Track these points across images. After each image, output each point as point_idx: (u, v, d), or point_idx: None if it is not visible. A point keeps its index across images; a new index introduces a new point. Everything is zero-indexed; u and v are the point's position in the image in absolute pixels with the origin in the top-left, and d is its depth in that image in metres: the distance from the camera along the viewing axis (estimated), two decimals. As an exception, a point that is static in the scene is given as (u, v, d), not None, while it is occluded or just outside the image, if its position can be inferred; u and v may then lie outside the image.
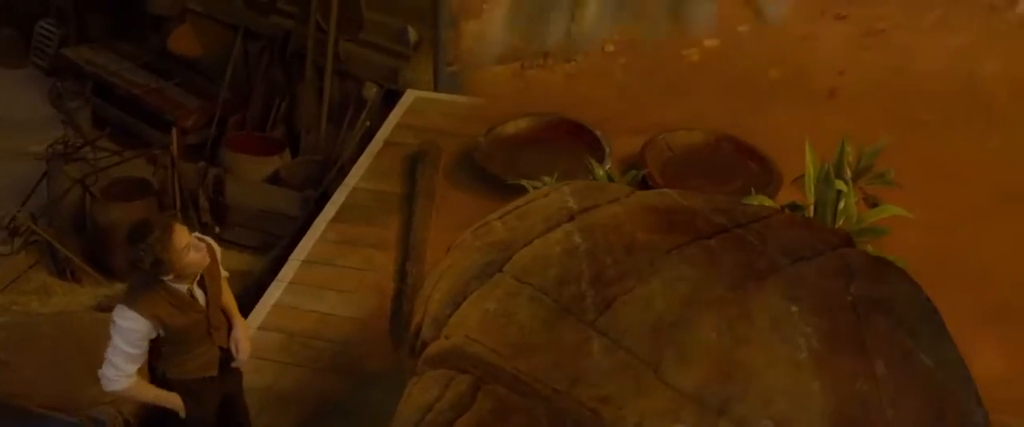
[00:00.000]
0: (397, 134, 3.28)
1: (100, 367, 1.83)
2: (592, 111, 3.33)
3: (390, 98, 4.02)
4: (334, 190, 3.10)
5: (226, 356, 1.91)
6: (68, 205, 3.88)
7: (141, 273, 1.79)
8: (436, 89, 3.81)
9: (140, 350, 1.78)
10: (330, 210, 2.82)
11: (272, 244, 3.66)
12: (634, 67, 3.85)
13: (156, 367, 1.90)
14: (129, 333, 1.75)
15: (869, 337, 1.39)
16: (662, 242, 1.57)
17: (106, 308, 2.63)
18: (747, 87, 3.68)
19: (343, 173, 3.37)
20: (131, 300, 1.77)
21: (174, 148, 3.76)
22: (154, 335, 1.79)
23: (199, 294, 1.83)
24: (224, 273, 1.98)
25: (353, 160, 3.53)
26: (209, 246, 1.85)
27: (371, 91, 4.12)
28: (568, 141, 3.08)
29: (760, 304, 1.39)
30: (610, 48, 3.96)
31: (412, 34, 3.98)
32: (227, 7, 4.86)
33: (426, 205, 2.76)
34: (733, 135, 3.11)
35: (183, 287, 1.79)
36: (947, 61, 3.84)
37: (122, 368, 1.79)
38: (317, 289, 2.37)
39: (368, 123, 3.80)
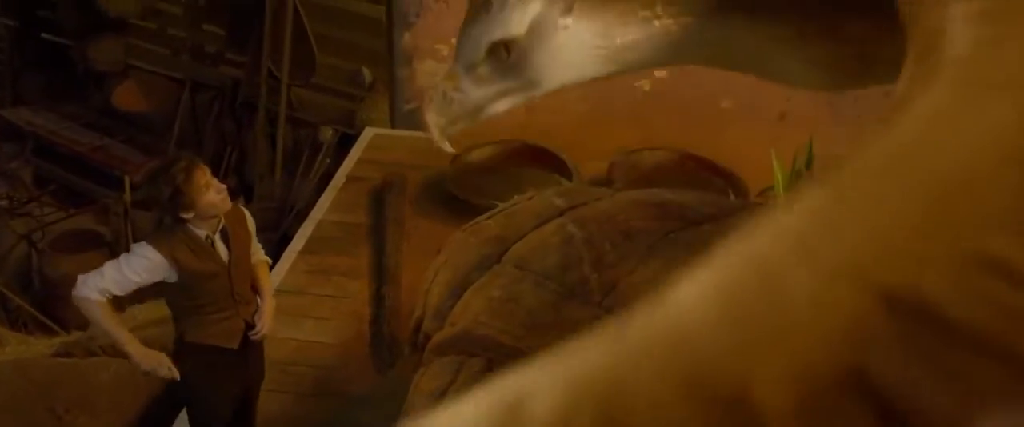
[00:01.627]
0: (359, 169, 3.26)
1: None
2: (554, 139, 3.35)
3: (346, 141, 3.99)
4: (294, 233, 3.05)
5: (248, 332, 1.86)
6: (13, 261, 3.75)
7: (160, 215, 1.76)
8: (393, 127, 3.80)
9: (135, 280, 1.70)
10: (298, 242, 2.77)
11: (231, 291, 3.57)
12: (590, 98, 3.90)
13: (177, 327, 1.84)
14: (136, 260, 1.69)
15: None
16: (657, 228, 1.57)
17: (64, 354, 2.53)
18: (701, 114, 3.76)
19: (301, 217, 3.32)
20: (152, 238, 1.74)
21: (127, 196, 3.68)
22: (160, 276, 1.71)
23: (221, 246, 1.78)
24: (266, 259, 1.98)
25: (311, 205, 3.49)
26: (237, 208, 1.84)
27: (327, 134, 4.10)
28: (534, 165, 3.09)
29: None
30: (565, 81, 4.01)
31: (367, 75, 3.98)
32: (173, 61, 4.82)
33: (396, 232, 2.73)
34: (696, 153, 3.16)
35: (202, 232, 1.74)
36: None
37: (103, 283, 1.70)
38: (293, 318, 2.31)
39: (328, 160, 3.76)
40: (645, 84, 4.20)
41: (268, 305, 1.93)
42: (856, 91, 3.86)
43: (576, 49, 1.00)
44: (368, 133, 3.59)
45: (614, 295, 1.39)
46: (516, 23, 0.99)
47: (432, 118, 1.09)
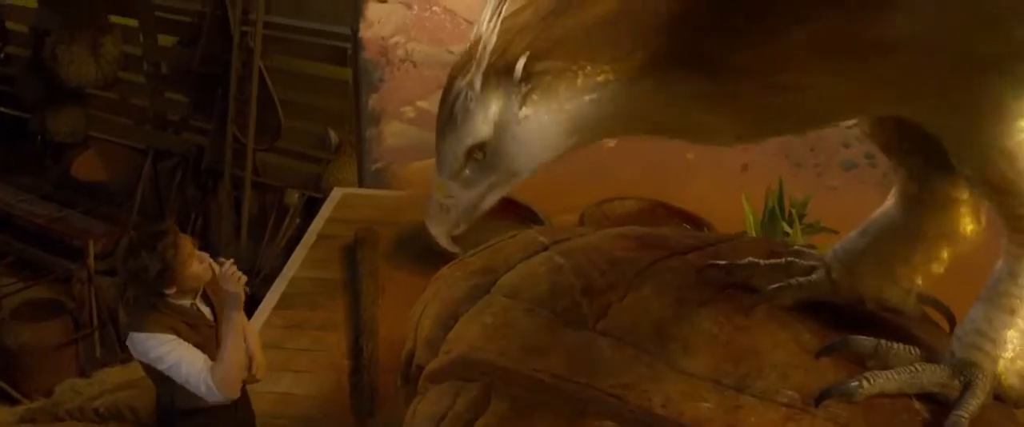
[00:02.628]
0: (330, 228, 3.25)
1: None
2: (523, 194, 3.37)
3: (312, 205, 3.98)
4: (263, 295, 3.02)
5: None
6: (-28, 333, 3.64)
7: (140, 297, 1.69)
8: (361, 187, 3.80)
9: (181, 346, 1.64)
10: (272, 298, 2.74)
11: (198, 356, 3.49)
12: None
13: (162, 397, 1.75)
14: (157, 349, 1.63)
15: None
16: (642, 257, 1.59)
17: (28, 420, 2.45)
18: (667, 166, 3.81)
19: (269, 281, 3.28)
20: (139, 323, 1.66)
21: (91, 262, 3.61)
22: (175, 336, 1.66)
23: (206, 309, 1.73)
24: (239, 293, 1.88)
25: (278, 269, 3.45)
26: (209, 264, 1.76)
27: (293, 198, 4.09)
28: (507, 217, 3.09)
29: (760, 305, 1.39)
30: (530, 139, 4.06)
31: (333, 137, 3.99)
32: (135, 130, 4.80)
33: (371, 285, 2.71)
34: (666, 202, 3.20)
35: (186, 302, 1.69)
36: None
37: (196, 372, 1.67)
38: (271, 371, 2.26)
39: (296, 222, 3.74)
40: (610, 141, 4.25)
41: (256, 347, 1.87)
42: (813, 141, 3.95)
43: (540, 133, 1.08)
44: (337, 193, 3.58)
45: (607, 319, 1.39)
46: (481, 128, 1.07)
47: (434, 229, 1.17)
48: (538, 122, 1.07)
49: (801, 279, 1.39)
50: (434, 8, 3.89)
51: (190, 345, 1.71)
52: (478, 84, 1.06)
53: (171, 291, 1.68)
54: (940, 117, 1.09)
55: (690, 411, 1.18)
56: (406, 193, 3.60)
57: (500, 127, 1.08)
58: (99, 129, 4.87)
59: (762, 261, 1.49)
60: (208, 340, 1.75)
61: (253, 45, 3.97)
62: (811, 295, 1.38)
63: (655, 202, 3.24)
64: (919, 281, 1.34)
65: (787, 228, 2.30)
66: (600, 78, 1.07)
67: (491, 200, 1.18)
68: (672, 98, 1.10)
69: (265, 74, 4.02)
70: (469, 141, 1.08)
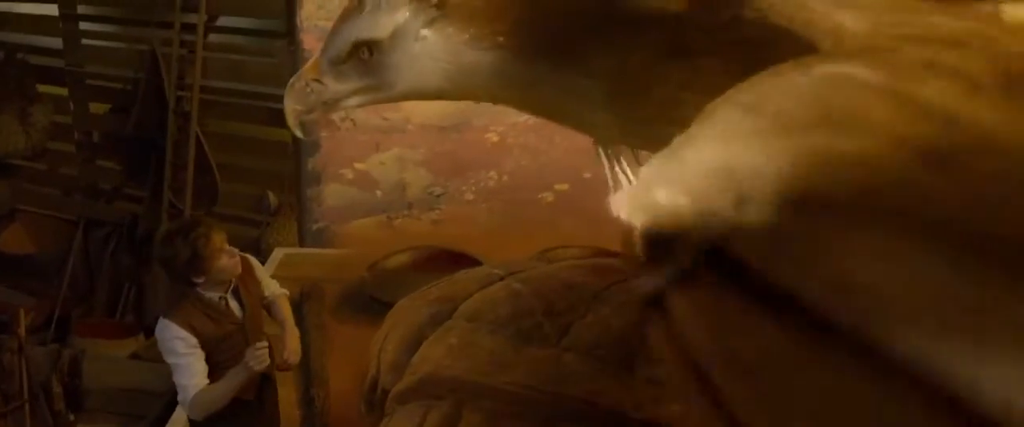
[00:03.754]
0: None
1: None
2: (465, 247, 3.38)
3: (251, 268, 3.93)
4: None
5: (266, 384, 1.83)
6: None
7: (174, 284, 1.80)
8: (301, 247, 3.78)
9: (192, 356, 1.73)
10: (218, 354, 2.69)
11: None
12: (495, 211, 4.00)
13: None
14: (174, 344, 1.72)
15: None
16: (598, 282, 1.62)
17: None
18: (607, 220, 3.89)
19: (208, 346, 3.23)
20: (168, 311, 1.76)
21: (21, 330, 3.48)
22: (197, 344, 1.70)
23: (234, 305, 1.78)
24: (284, 291, 2.06)
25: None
26: (243, 258, 1.84)
27: (232, 262, 4.03)
28: (452, 268, 3.09)
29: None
30: (469, 196, 4.10)
31: (272, 199, 3.97)
32: (65, 201, 4.70)
33: (320, 337, 2.68)
34: (610, 250, 3.23)
35: (215, 295, 1.75)
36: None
37: (186, 386, 1.74)
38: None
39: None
40: (548, 196, 4.32)
41: (291, 335, 2.00)
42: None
43: (428, 60, 1.12)
44: (279, 253, 3.55)
45: (570, 336, 1.42)
46: (381, 26, 1.10)
47: (290, 105, 1.20)
48: (432, 47, 1.11)
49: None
50: None
51: (202, 358, 1.78)
52: None
53: (200, 281, 1.76)
54: None
55: (663, 414, 1.20)
56: (348, 251, 3.59)
57: (397, 35, 1.11)
58: (27, 201, 4.75)
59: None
60: (231, 336, 1.83)
61: (189, 109, 3.95)
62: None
63: (599, 250, 3.27)
64: None
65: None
66: (495, 41, 1.12)
67: (352, 103, 1.20)
68: (552, 85, 1.15)
69: (202, 138, 4.00)
70: (364, 34, 1.11)
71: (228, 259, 1.79)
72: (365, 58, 1.13)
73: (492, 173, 4.26)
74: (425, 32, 1.11)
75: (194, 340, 1.74)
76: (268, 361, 1.82)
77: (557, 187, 4.44)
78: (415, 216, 3.93)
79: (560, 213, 4.01)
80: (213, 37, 3.99)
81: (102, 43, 4.31)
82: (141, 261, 4.36)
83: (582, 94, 1.11)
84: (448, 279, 1.80)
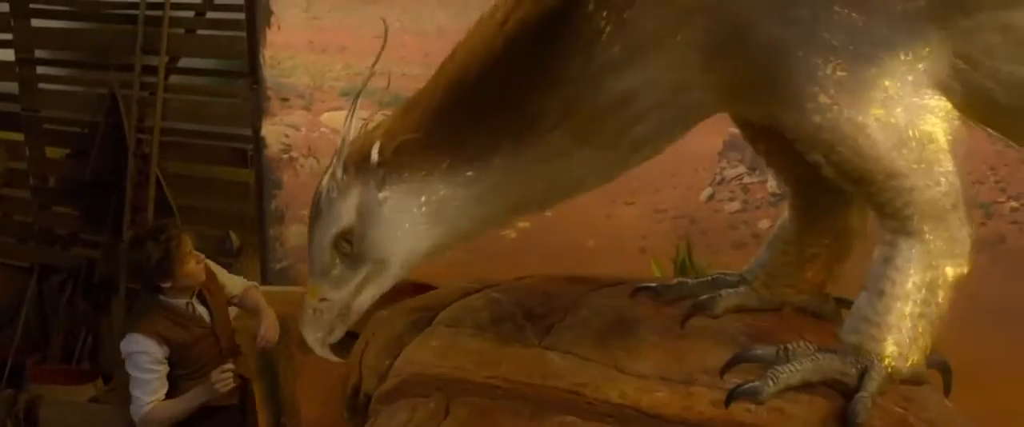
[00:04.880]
0: (238, 323, 3.17)
1: None
2: (429, 282, 3.38)
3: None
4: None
5: (247, 390, 1.83)
6: None
7: (140, 295, 1.75)
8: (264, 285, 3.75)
9: (154, 375, 1.75)
10: (189, 389, 2.66)
11: (95, 472, 3.31)
12: (459, 247, 4.01)
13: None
14: (138, 358, 1.74)
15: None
16: (575, 290, 1.65)
17: None
18: (568, 253, 3.92)
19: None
20: (133, 323, 1.78)
21: (-23, 375, 3.40)
22: (162, 357, 1.71)
23: (202, 310, 1.78)
24: (251, 283, 2.17)
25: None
26: (206, 265, 1.85)
27: (193, 304, 3.98)
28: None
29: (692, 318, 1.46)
30: (433, 234, 4.12)
31: (235, 240, 3.94)
32: (17, 248, 4.61)
33: (288, 367, 2.66)
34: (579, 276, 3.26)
35: (181, 301, 1.75)
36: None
37: (140, 398, 1.83)
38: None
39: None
40: (511, 233, 4.35)
41: (267, 317, 2.08)
42: (705, 225, 4.14)
43: (401, 215, 1.17)
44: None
45: (551, 336, 1.44)
46: (345, 214, 1.14)
47: (310, 336, 1.23)
48: (397, 203, 1.15)
49: (728, 291, 1.47)
50: (322, 129, 3.98)
51: (163, 376, 1.87)
52: (339, 173, 1.14)
53: (167, 285, 1.79)
54: (766, 114, 1.18)
55: (646, 400, 1.23)
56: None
57: (363, 210, 1.13)
58: (-23, 249, 4.65)
59: (690, 280, 1.57)
60: (201, 340, 1.86)
61: (149, 151, 3.93)
62: (738, 305, 1.46)
63: (570, 276, 3.30)
64: (828, 280, 1.43)
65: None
66: (444, 164, 1.15)
67: (365, 301, 1.22)
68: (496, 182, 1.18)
69: (162, 180, 3.97)
70: (334, 229, 1.14)
71: (195, 264, 1.83)
72: (348, 252, 1.15)
73: (454, 213, 4.29)
74: (383, 194, 1.14)
75: (161, 354, 1.76)
76: (232, 384, 1.83)
77: (520, 224, 4.48)
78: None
79: (522, 249, 4.03)
80: (174, 78, 3.99)
81: (60, 87, 4.28)
82: (98, 307, 4.29)
83: (555, 148, 1.15)
84: (424, 295, 1.82)
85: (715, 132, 4.29)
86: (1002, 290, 2.79)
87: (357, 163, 1.14)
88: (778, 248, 1.43)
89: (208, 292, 1.90)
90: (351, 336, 2.77)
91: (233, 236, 3.93)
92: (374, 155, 1.12)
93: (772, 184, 3.83)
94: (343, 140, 1.13)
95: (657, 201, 5.08)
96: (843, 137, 1.07)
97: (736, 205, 4.75)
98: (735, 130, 1.45)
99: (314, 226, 1.16)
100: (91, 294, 4.28)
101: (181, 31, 3.93)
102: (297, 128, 3.86)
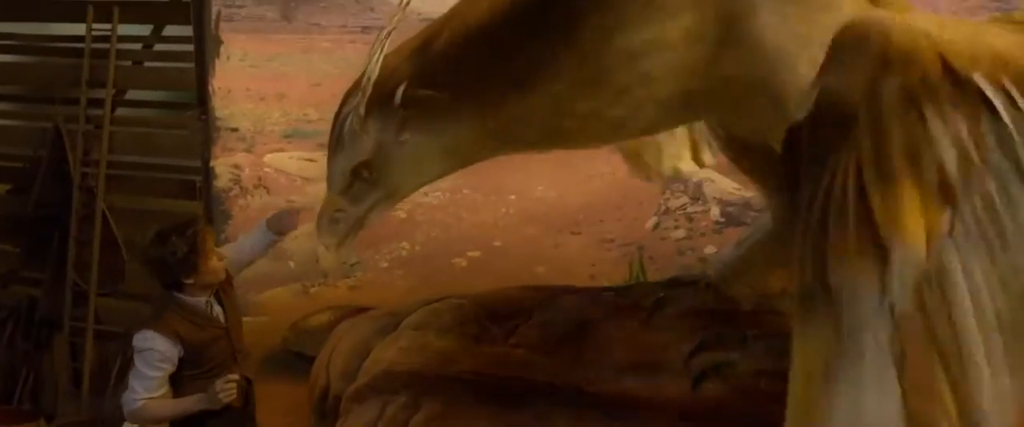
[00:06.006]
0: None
1: None
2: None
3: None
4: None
5: (251, 390, 1.82)
6: None
7: (160, 290, 1.88)
8: (215, 320, 3.71)
9: (159, 373, 1.74)
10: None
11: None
12: (411, 275, 4.01)
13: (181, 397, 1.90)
14: (148, 354, 1.73)
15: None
16: (537, 296, 1.69)
17: None
18: (519, 280, 3.96)
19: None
20: (152, 321, 1.75)
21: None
22: (175, 357, 1.68)
23: (218, 310, 1.77)
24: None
25: (122, 420, 3.27)
26: (227, 263, 1.85)
27: (141, 340, 3.91)
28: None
29: (654, 315, 1.51)
30: (384, 264, 4.12)
31: (183, 273, 3.89)
32: (-45, 289, 4.48)
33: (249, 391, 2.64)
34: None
35: (200, 299, 1.74)
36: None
37: (138, 391, 1.82)
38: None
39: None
40: (462, 261, 4.37)
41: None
42: (651, 251, 4.22)
43: (417, 155, 1.25)
44: (193, 323, 3.47)
45: (517, 336, 1.47)
46: (364, 149, 1.23)
47: (325, 239, 1.32)
48: (416, 144, 1.23)
49: (686, 289, 1.51)
50: (265, 169, 3.98)
51: (165, 379, 1.85)
52: (362, 110, 1.22)
53: (190, 281, 1.78)
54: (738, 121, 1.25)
55: (616, 387, 1.26)
56: (264, 319, 3.54)
57: (382, 148, 1.22)
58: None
59: (649, 282, 1.61)
60: (217, 341, 1.86)
61: (95, 185, 3.87)
62: (697, 302, 1.50)
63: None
64: (788, 291, 1.48)
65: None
66: (462, 110, 1.23)
67: (376, 215, 1.33)
68: (503, 125, 1.26)
69: (108, 215, 3.91)
70: (355, 160, 1.23)
71: (217, 261, 1.85)
72: (366, 177, 1.25)
73: (405, 244, 4.29)
74: (404, 136, 1.23)
75: (173, 354, 1.78)
76: (234, 396, 1.84)
77: (470, 254, 4.50)
78: (331, 284, 3.92)
79: (474, 276, 4.05)
80: (121, 111, 3.95)
81: (2, 122, 4.20)
82: (39, 346, 4.18)
83: (559, 72, 1.20)
84: (387, 306, 1.84)
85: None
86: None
87: (380, 101, 1.20)
88: (746, 248, 1.48)
89: (223, 292, 1.91)
90: (305, 360, 2.76)
91: (182, 269, 3.88)
92: (398, 97, 1.19)
93: (715, 212, 3.91)
94: (368, 78, 1.18)
95: (603, 231, 5.16)
96: None
97: (681, 233, 4.85)
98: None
99: (336, 152, 1.25)
100: (32, 333, 4.17)
101: (128, 63, 3.90)
102: (240, 168, 3.85)
